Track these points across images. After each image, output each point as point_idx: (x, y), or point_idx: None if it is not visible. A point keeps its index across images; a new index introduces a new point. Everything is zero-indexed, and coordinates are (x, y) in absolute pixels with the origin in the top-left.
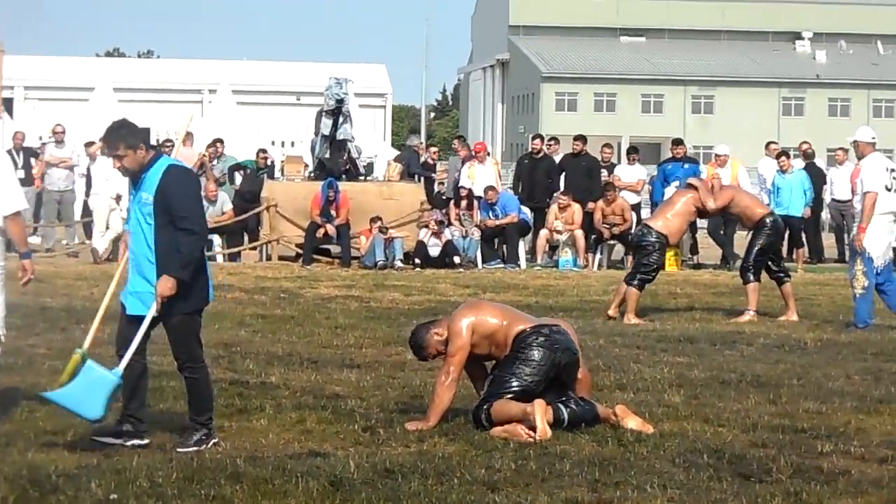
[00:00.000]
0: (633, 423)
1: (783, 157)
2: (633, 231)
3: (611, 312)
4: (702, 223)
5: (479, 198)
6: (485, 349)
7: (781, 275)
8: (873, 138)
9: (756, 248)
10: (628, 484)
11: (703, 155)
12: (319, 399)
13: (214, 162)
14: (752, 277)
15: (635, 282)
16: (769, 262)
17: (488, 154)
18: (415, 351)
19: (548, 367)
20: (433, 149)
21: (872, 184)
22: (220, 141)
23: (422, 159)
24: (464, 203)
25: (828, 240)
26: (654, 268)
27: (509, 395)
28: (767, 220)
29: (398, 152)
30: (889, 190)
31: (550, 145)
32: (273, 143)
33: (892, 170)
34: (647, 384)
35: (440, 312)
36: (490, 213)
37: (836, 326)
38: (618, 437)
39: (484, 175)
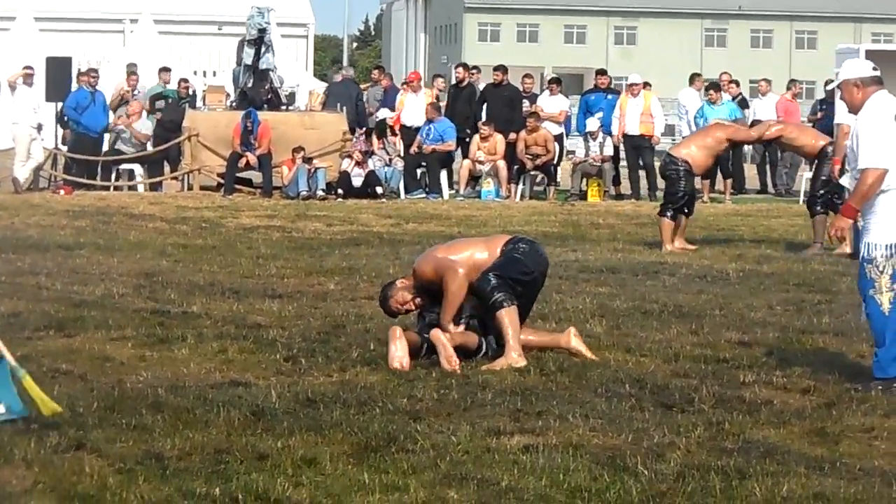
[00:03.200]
0: (578, 345)
1: (712, 91)
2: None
3: (667, 249)
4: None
5: (409, 127)
6: (475, 274)
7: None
8: (875, 68)
9: (821, 179)
10: (550, 413)
11: (625, 86)
12: (241, 329)
13: (136, 92)
14: (819, 209)
15: (668, 213)
16: (833, 196)
17: (423, 84)
18: (382, 302)
19: (536, 271)
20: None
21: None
22: (134, 73)
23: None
24: (388, 132)
25: (750, 171)
26: (683, 195)
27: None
28: (829, 150)
29: (320, 82)
30: None
31: (472, 74)
32: (195, 72)
33: None
34: (569, 314)
35: (362, 243)
36: (426, 138)
37: (758, 257)
38: (540, 367)
39: (417, 105)
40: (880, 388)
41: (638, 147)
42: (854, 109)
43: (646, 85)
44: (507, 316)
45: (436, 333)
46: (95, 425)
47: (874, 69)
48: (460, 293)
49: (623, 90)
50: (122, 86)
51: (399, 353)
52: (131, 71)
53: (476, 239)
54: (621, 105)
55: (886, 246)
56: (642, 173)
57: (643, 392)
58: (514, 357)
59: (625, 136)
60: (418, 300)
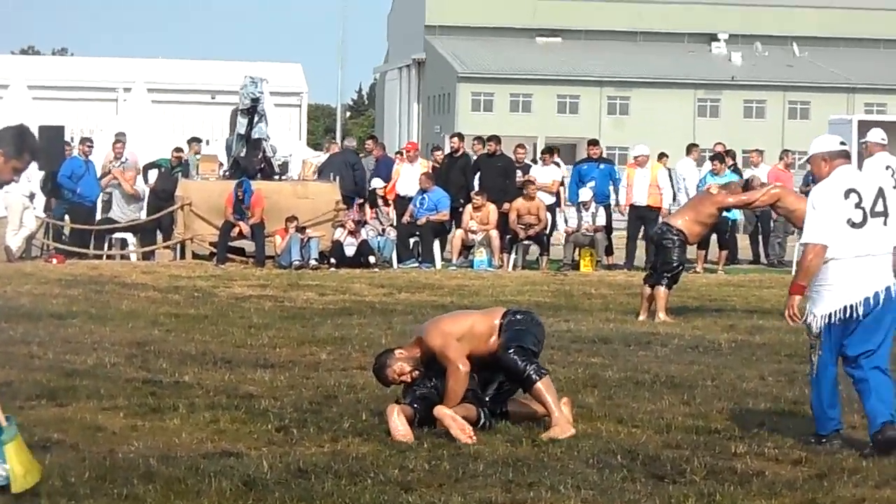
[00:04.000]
0: (567, 414)
1: (717, 161)
2: (653, 230)
3: (642, 318)
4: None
5: (403, 197)
6: (475, 347)
7: None
8: (883, 139)
9: None
10: (542, 484)
11: (618, 156)
12: (233, 399)
13: (124, 160)
14: None
15: (664, 281)
16: None
17: (419, 155)
18: (377, 371)
19: (541, 341)
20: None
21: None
22: (121, 141)
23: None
24: (380, 202)
25: (742, 241)
26: (678, 264)
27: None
28: None
29: (314, 151)
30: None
31: (474, 144)
32: (188, 141)
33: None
34: (562, 384)
35: (355, 312)
36: (420, 208)
37: (750, 327)
38: (532, 438)
39: (412, 175)
40: (812, 440)
41: (643, 218)
42: (820, 181)
43: (661, 157)
44: (546, 387)
45: (440, 410)
46: (87, 495)
47: (842, 143)
48: (461, 390)
49: (618, 161)
50: (110, 156)
51: (402, 429)
52: (117, 140)
53: (474, 311)
54: (629, 176)
55: (821, 315)
56: (641, 244)
57: (635, 463)
58: (565, 425)
59: (631, 206)
60: (416, 373)
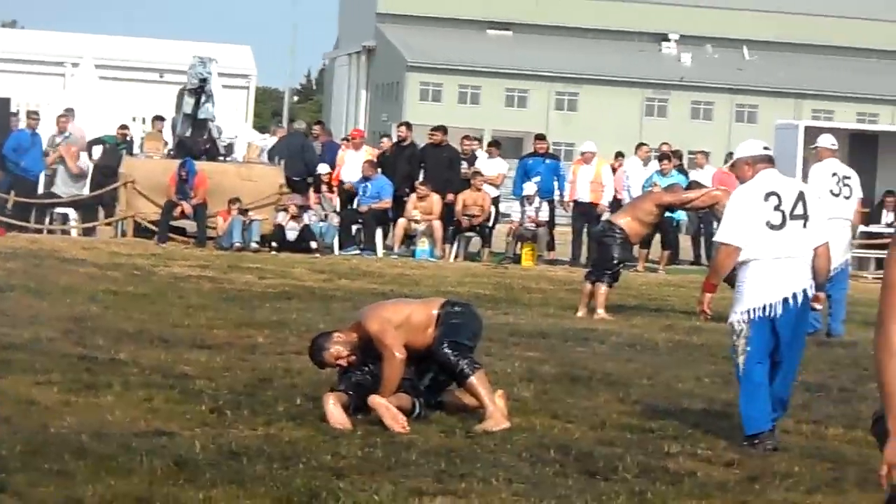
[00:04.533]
0: (500, 406)
1: (665, 161)
2: (595, 227)
3: (580, 314)
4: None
5: (341, 183)
6: (412, 336)
7: None
8: (833, 145)
9: None
10: (474, 476)
11: (564, 152)
12: (168, 378)
13: (67, 135)
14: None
15: (605, 279)
16: None
17: (364, 142)
18: (314, 353)
19: (477, 335)
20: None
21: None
22: (66, 114)
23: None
24: (324, 188)
25: (684, 241)
26: (617, 262)
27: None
28: None
29: (260, 134)
30: (836, 195)
31: (429, 135)
32: (134, 119)
33: (846, 176)
34: (498, 377)
35: (294, 297)
36: (363, 195)
37: (688, 328)
38: (465, 429)
39: (357, 162)
40: (745, 443)
41: (586, 214)
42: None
43: (618, 156)
44: (479, 381)
45: (375, 399)
46: (18, 469)
47: (766, 148)
48: (396, 378)
49: (564, 156)
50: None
51: (338, 417)
52: (63, 115)
53: (414, 301)
54: (574, 171)
55: (741, 312)
56: (585, 239)
57: (568, 458)
58: (499, 418)
59: (574, 202)
60: (353, 358)
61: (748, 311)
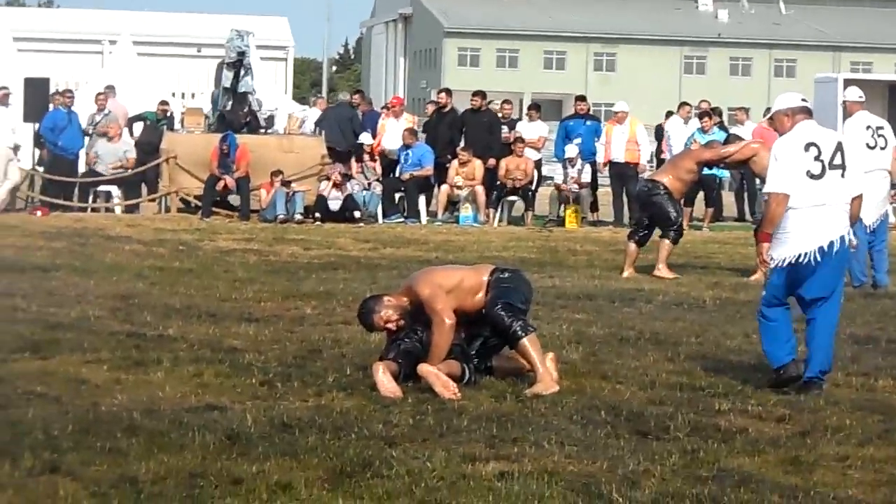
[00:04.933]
0: (552, 370)
1: (705, 118)
2: (636, 187)
3: (626, 274)
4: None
5: (383, 152)
6: (462, 302)
7: None
8: (860, 97)
9: None
10: (526, 440)
11: (604, 112)
12: (217, 352)
13: (106, 112)
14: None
15: (670, 235)
16: None
17: (404, 110)
18: (364, 315)
19: (529, 299)
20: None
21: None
22: (106, 92)
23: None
24: (366, 157)
25: (727, 198)
26: (676, 216)
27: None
28: None
29: (300, 105)
30: (872, 148)
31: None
32: (173, 94)
33: (879, 127)
34: (546, 340)
35: (339, 267)
36: (405, 163)
37: (734, 285)
38: (516, 394)
39: (398, 130)
40: (773, 378)
41: (622, 174)
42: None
43: (668, 115)
44: (531, 344)
45: (424, 368)
46: (70, 448)
47: (803, 100)
48: (445, 344)
49: (604, 117)
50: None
51: (389, 386)
52: (101, 92)
53: (464, 267)
54: (607, 132)
55: (778, 259)
56: (626, 200)
57: (619, 419)
58: (550, 381)
59: (610, 163)
60: (402, 322)
61: (783, 260)
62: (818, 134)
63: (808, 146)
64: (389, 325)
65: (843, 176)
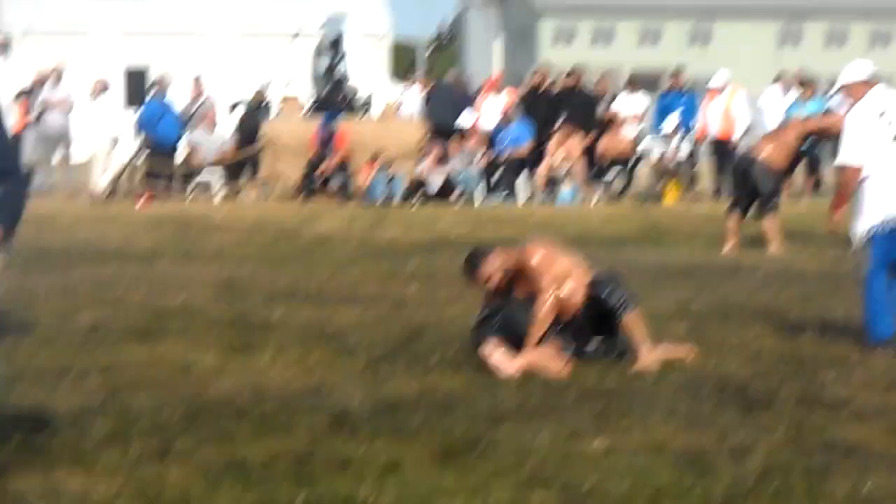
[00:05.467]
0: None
1: (806, 87)
2: (734, 160)
3: (728, 248)
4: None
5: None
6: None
7: None
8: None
9: None
10: (632, 415)
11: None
12: (322, 335)
13: (202, 100)
14: None
15: (771, 211)
16: None
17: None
18: (469, 263)
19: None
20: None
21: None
22: (197, 79)
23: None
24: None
25: (828, 169)
26: (773, 191)
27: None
28: None
29: (398, 86)
30: None
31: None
32: (270, 81)
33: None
34: (650, 315)
35: (439, 249)
36: (502, 143)
37: (835, 256)
38: (621, 369)
39: (497, 107)
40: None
41: (720, 149)
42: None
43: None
44: (637, 319)
45: (522, 362)
46: (179, 433)
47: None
48: (546, 321)
49: (704, 90)
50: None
51: (509, 364)
52: (196, 80)
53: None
54: (705, 105)
55: (865, 228)
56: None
57: (725, 392)
58: (652, 360)
59: (707, 136)
60: (502, 285)
61: (871, 228)
62: (888, 99)
63: (882, 113)
64: (490, 283)
65: None
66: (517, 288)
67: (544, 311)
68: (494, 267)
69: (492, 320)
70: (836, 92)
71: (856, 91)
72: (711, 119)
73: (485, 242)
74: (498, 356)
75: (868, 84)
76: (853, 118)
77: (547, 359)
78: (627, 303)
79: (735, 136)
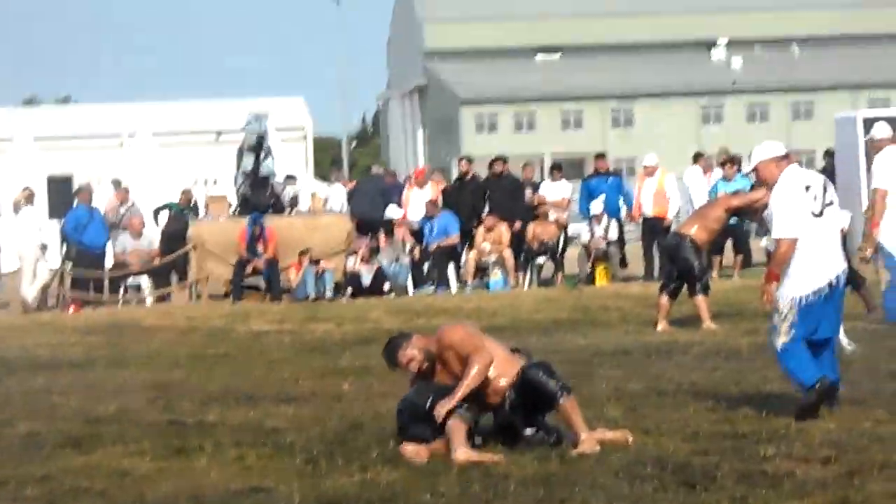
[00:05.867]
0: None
1: (728, 165)
2: (664, 240)
3: (660, 328)
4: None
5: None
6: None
7: None
8: (890, 133)
9: None
10: (573, 500)
11: (625, 168)
12: (258, 435)
13: (129, 204)
14: None
15: (699, 291)
16: None
17: (428, 179)
18: (390, 351)
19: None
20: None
21: (883, 180)
22: (121, 188)
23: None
24: (396, 230)
25: (756, 244)
26: (700, 269)
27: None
28: None
29: (321, 183)
30: None
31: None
32: (195, 182)
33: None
34: (585, 399)
35: (374, 341)
36: (430, 234)
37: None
38: (560, 454)
39: (423, 200)
40: (808, 396)
41: (652, 228)
42: (772, 184)
43: (697, 158)
44: (572, 406)
45: (459, 456)
46: None
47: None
48: (480, 378)
49: (626, 173)
50: (113, 202)
51: (415, 450)
52: (118, 186)
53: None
54: (638, 186)
55: (791, 297)
56: (657, 254)
57: (665, 472)
58: (592, 442)
59: (642, 217)
60: (424, 366)
61: (799, 298)
62: (807, 176)
63: (806, 188)
64: (412, 365)
65: (832, 212)
66: (440, 373)
67: (476, 369)
68: (415, 349)
69: (406, 412)
70: (750, 172)
71: (771, 170)
72: (645, 199)
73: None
74: (406, 449)
75: (782, 162)
76: (781, 193)
77: (483, 458)
78: (564, 388)
79: (669, 216)
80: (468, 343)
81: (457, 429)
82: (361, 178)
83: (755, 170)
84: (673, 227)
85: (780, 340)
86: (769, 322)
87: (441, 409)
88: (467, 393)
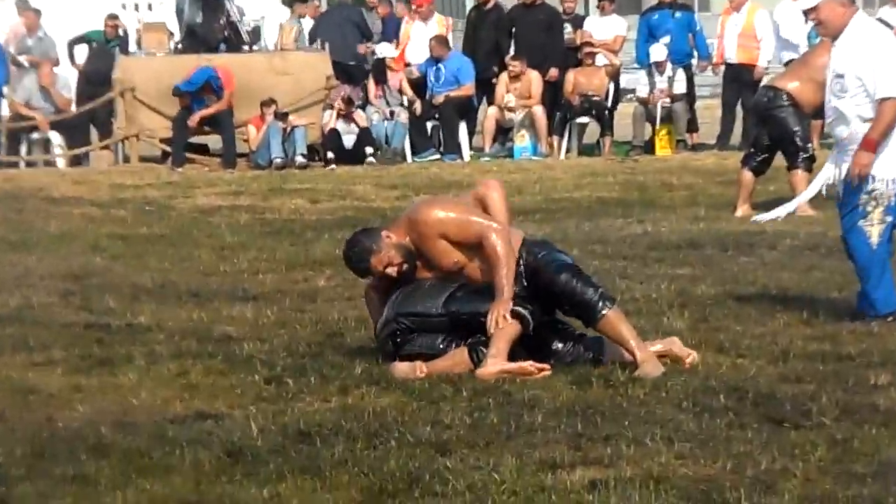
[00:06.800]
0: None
1: None
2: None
3: (740, 212)
4: None
5: (408, 66)
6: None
7: None
8: None
9: None
10: (622, 437)
11: (698, 1)
12: (206, 344)
13: (40, 36)
14: None
15: (799, 163)
16: None
17: (433, 11)
18: (355, 257)
19: None
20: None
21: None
22: (30, 9)
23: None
24: (389, 75)
25: None
26: (803, 136)
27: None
28: None
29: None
30: None
31: None
32: (124, 6)
33: None
34: (640, 305)
35: (359, 223)
36: (436, 82)
37: None
38: (604, 378)
39: (426, 37)
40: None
41: (738, 79)
42: (835, 30)
43: None
44: (619, 319)
45: (486, 371)
46: (22, 477)
47: None
48: (515, 257)
49: (698, 7)
50: (18, 29)
51: (404, 366)
52: (25, 8)
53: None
54: (722, 24)
55: (892, 180)
56: (740, 114)
57: (743, 404)
58: (654, 365)
59: (724, 64)
60: (406, 267)
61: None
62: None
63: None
64: (391, 270)
65: None
66: (420, 268)
67: (501, 246)
68: (391, 248)
69: (407, 349)
70: (809, 9)
71: (834, 13)
72: (728, 41)
73: None
74: (395, 367)
75: (852, 6)
76: (883, 45)
77: (516, 370)
78: (604, 297)
79: (760, 64)
80: (465, 221)
81: (505, 335)
82: (332, 5)
83: (815, 9)
84: (765, 80)
85: (874, 230)
86: (843, 205)
87: (498, 314)
88: (514, 266)
